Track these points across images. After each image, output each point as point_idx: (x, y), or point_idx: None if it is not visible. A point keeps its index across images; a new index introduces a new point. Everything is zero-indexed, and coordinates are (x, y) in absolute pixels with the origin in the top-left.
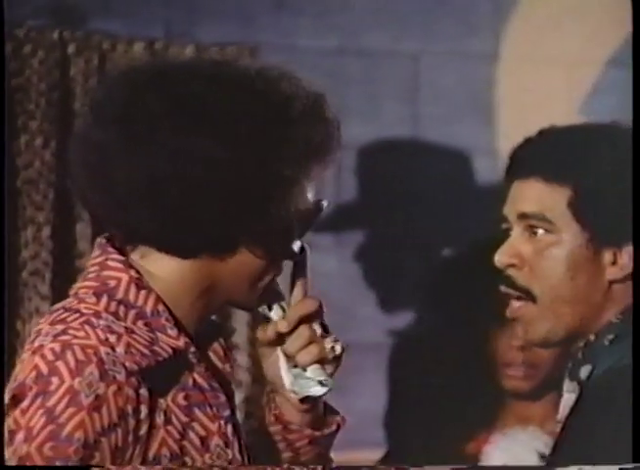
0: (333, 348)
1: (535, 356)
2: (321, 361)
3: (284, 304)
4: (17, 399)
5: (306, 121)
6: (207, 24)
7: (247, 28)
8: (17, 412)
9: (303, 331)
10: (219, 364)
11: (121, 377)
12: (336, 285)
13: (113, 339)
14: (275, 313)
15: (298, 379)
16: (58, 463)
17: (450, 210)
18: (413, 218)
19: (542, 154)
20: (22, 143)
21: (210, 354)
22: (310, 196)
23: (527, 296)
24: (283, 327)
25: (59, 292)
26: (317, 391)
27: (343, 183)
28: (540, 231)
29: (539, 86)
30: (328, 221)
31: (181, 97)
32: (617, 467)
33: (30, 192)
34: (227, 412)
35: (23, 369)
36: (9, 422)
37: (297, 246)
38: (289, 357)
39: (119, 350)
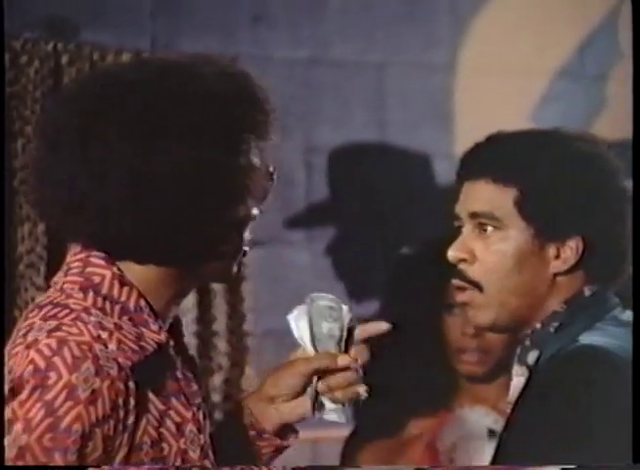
0: (359, 393)
1: (487, 343)
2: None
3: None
4: (14, 391)
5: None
6: (190, 36)
7: (226, 40)
8: (15, 403)
9: (352, 374)
10: (188, 352)
11: (114, 372)
12: (308, 277)
13: (104, 335)
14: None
15: (322, 405)
16: (56, 454)
17: (412, 208)
18: (378, 216)
19: (490, 157)
20: (18, 146)
21: (183, 344)
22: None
23: (477, 287)
24: (344, 362)
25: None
26: (336, 418)
27: (315, 184)
28: (489, 228)
29: (493, 95)
30: (301, 219)
31: (128, 113)
32: (559, 467)
33: (26, 191)
34: (199, 400)
35: (19, 363)
36: (6, 413)
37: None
38: (326, 388)
39: (112, 346)
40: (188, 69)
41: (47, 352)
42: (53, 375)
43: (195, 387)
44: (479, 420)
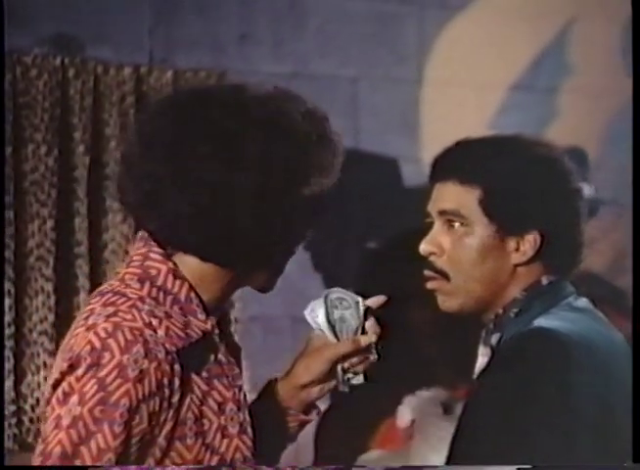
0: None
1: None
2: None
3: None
4: (72, 367)
5: (316, 145)
6: (184, 53)
7: (216, 56)
8: (72, 378)
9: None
10: (234, 342)
11: (161, 355)
12: (290, 269)
13: (155, 322)
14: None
15: (347, 384)
16: (105, 424)
17: (382, 207)
18: (352, 214)
19: (458, 160)
20: (29, 151)
21: (229, 334)
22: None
23: (445, 277)
24: (365, 342)
25: (60, 274)
26: (360, 381)
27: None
28: (456, 224)
29: (455, 106)
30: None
31: (219, 134)
32: (515, 467)
33: (36, 191)
34: (240, 381)
35: (78, 343)
36: (64, 386)
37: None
38: (349, 364)
39: (160, 332)
40: (274, 101)
41: (103, 334)
42: (107, 355)
43: (236, 370)
44: (434, 397)
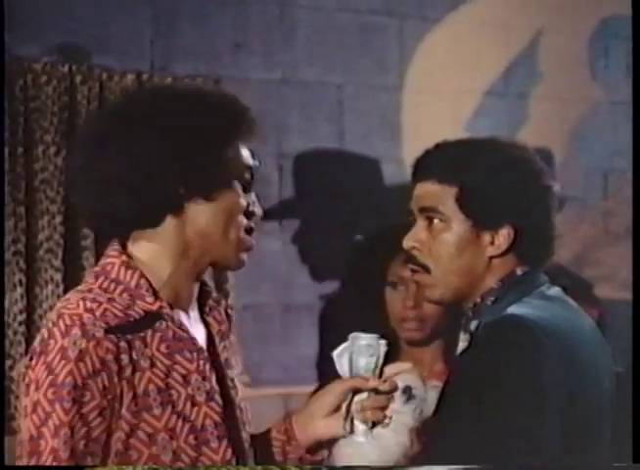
0: (385, 418)
1: (424, 313)
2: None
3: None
4: (30, 360)
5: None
6: (182, 61)
7: (212, 64)
8: (29, 370)
9: (382, 398)
10: (216, 326)
11: (99, 334)
12: (280, 261)
13: (95, 306)
14: (367, 368)
15: (352, 429)
16: (56, 404)
17: (365, 204)
18: (338, 210)
19: (436, 162)
20: (39, 151)
21: (210, 319)
22: (244, 158)
23: (426, 270)
24: (374, 383)
25: (68, 265)
26: (363, 441)
27: (285, 183)
28: (435, 221)
29: (434, 111)
30: (274, 212)
31: (130, 116)
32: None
33: (46, 189)
34: (203, 355)
35: (36, 340)
36: (26, 378)
37: (243, 201)
38: (360, 408)
39: (98, 314)
40: (192, 95)
41: (50, 324)
42: (52, 342)
43: (199, 345)
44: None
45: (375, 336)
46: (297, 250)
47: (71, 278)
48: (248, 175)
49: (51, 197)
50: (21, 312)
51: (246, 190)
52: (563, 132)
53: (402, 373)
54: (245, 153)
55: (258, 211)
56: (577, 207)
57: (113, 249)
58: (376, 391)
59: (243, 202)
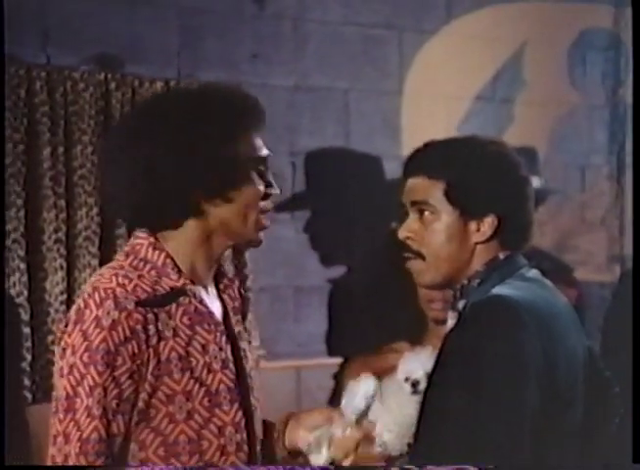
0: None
1: (449, 294)
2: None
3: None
4: (66, 327)
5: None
6: (206, 69)
7: (232, 72)
8: (65, 335)
9: (351, 438)
10: (231, 303)
11: (130, 306)
12: (292, 248)
13: (126, 282)
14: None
15: (314, 450)
16: (91, 367)
17: (369, 197)
18: (344, 202)
19: (425, 159)
20: (78, 150)
21: (226, 297)
22: (258, 150)
23: (420, 257)
24: (351, 420)
25: (104, 251)
26: (320, 462)
27: (297, 179)
28: (426, 213)
29: (430, 113)
30: (287, 205)
31: (150, 120)
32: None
33: (84, 184)
34: (220, 328)
35: (73, 308)
36: (62, 343)
37: (261, 187)
38: (328, 435)
39: (129, 288)
40: (197, 96)
41: (85, 296)
42: (87, 311)
43: (217, 318)
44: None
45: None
46: (307, 238)
47: (107, 263)
48: (262, 166)
49: (88, 191)
50: (61, 293)
51: (263, 177)
52: (545, 133)
53: (412, 362)
54: (258, 143)
55: (275, 190)
56: (558, 199)
57: (141, 231)
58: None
59: (260, 190)
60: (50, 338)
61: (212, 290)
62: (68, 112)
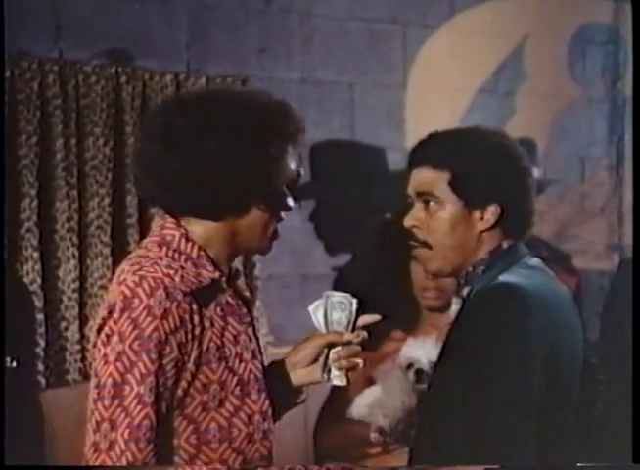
0: (358, 364)
1: (442, 283)
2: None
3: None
4: (110, 314)
5: (281, 119)
6: (214, 63)
7: (240, 66)
8: (111, 322)
9: (354, 348)
10: (243, 291)
11: (180, 297)
12: (298, 236)
13: (172, 273)
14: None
15: (329, 374)
16: (143, 354)
17: (373, 187)
18: (349, 193)
19: (429, 150)
20: (90, 142)
21: (238, 285)
22: (292, 166)
23: (426, 245)
24: (349, 337)
25: (115, 240)
26: (339, 382)
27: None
28: (431, 203)
29: (433, 106)
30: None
31: (199, 116)
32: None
33: (95, 175)
34: (247, 319)
35: (112, 295)
36: (106, 329)
37: (290, 201)
38: (335, 357)
39: (177, 279)
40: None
41: (132, 285)
42: (136, 300)
43: (244, 310)
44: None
45: (347, 294)
46: (312, 227)
47: (118, 251)
48: (294, 180)
49: (100, 181)
50: (74, 281)
51: (290, 190)
52: (545, 125)
53: (415, 350)
54: (295, 156)
55: (292, 203)
56: (558, 189)
57: (169, 222)
58: (349, 343)
59: (289, 202)
60: (63, 324)
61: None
62: (80, 104)
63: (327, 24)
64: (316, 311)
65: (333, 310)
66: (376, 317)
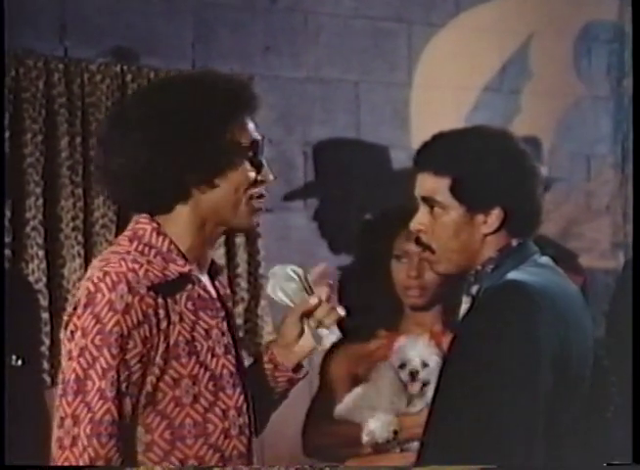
0: (339, 313)
1: (425, 282)
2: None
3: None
4: (75, 310)
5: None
6: (219, 62)
7: (245, 64)
8: (74, 318)
9: (325, 305)
10: (222, 289)
11: (143, 291)
12: (303, 234)
13: (137, 267)
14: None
15: (320, 338)
16: (104, 349)
17: (378, 185)
18: (353, 191)
19: (432, 154)
20: (95, 141)
21: (217, 283)
22: (246, 135)
23: (430, 250)
24: (314, 301)
25: None
26: (333, 338)
27: (309, 168)
28: (436, 208)
29: (438, 104)
30: (299, 193)
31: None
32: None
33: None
34: (222, 313)
35: (80, 292)
36: (70, 325)
37: (252, 174)
38: (316, 322)
39: (141, 273)
40: (188, 83)
41: (96, 280)
42: (99, 295)
43: (218, 305)
44: (426, 344)
45: (286, 265)
46: (317, 226)
47: None
48: (252, 152)
49: None
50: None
51: (254, 163)
52: (551, 123)
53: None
54: (250, 127)
55: (268, 177)
56: (563, 187)
57: (142, 216)
58: (319, 304)
59: (250, 176)
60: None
61: (206, 277)
62: (86, 103)
63: (332, 23)
64: (274, 291)
65: (286, 282)
66: (323, 265)
